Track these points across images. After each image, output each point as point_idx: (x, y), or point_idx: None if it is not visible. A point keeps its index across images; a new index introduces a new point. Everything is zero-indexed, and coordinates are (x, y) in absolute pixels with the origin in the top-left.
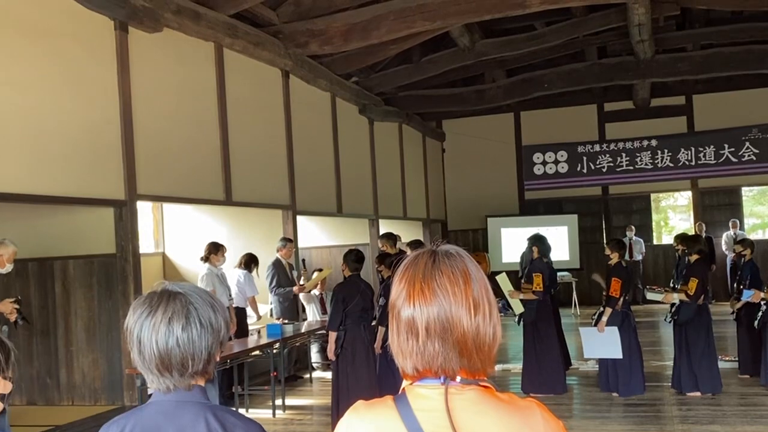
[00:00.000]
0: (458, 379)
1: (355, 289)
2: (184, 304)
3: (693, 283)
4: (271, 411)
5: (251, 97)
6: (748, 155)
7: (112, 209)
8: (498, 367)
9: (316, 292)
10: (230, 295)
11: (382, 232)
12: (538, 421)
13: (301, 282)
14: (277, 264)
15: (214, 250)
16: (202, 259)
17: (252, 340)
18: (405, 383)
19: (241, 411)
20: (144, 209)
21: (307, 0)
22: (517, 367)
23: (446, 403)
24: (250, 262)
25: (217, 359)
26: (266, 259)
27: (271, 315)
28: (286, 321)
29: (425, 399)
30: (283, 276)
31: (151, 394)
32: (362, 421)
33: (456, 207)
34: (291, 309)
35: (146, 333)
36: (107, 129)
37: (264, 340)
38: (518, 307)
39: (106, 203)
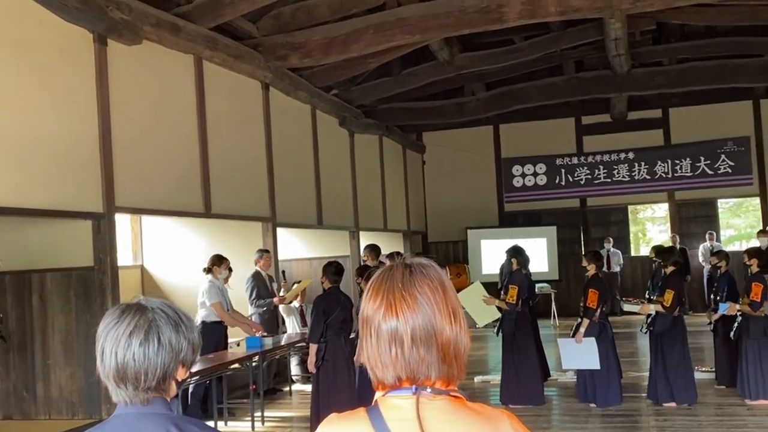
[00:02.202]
0: (428, 389)
1: (335, 301)
2: (147, 320)
3: (669, 295)
4: (250, 424)
5: (231, 109)
6: (724, 168)
7: (90, 222)
8: (477, 379)
9: (296, 304)
10: (227, 307)
11: (363, 244)
12: (507, 430)
13: (281, 293)
14: (256, 276)
15: (218, 262)
16: (204, 270)
17: (231, 353)
18: (378, 394)
19: (220, 424)
20: (122, 222)
21: (287, 13)
22: (495, 378)
23: (417, 413)
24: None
25: (179, 379)
26: (246, 272)
27: None
28: (266, 334)
29: (397, 409)
30: (263, 288)
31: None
32: None
33: (436, 219)
34: (271, 321)
35: (109, 343)
36: (85, 141)
37: (243, 353)
38: (494, 314)
39: (84, 216)
